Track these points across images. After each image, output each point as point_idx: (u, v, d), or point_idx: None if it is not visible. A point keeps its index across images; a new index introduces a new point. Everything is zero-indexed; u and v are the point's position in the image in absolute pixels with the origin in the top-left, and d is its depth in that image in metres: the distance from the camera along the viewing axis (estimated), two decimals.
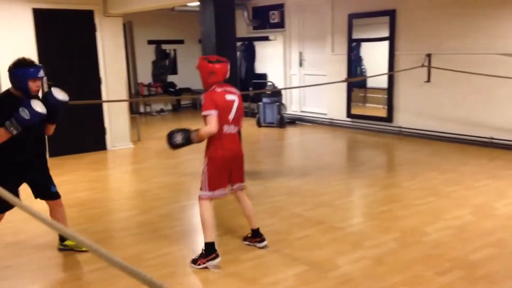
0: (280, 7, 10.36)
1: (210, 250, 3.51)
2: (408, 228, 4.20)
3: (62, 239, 3.87)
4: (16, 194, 3.49)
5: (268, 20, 10.68)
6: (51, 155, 7.32)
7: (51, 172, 6.87)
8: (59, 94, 3.52)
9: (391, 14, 8.22)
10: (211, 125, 3.39)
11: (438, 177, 5.76)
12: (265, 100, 9.72)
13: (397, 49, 8.26)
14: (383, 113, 8.68)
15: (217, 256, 3.50)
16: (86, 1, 7.44)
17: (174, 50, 12.47)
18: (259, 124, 9.76)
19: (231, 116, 3.52)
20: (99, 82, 7.72)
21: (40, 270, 3.62)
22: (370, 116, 8.93)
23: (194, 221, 4.42)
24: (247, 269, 3.51)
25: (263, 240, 3.84)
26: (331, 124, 9.49)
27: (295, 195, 5.26)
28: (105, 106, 7.83)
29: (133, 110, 11.08)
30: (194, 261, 3.54)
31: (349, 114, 9.20)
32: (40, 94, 3.62)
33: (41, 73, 3.44)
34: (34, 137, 3.58)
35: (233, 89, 3.62)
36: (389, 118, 8.54)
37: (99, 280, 3.37)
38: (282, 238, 4.04)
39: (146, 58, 12.08)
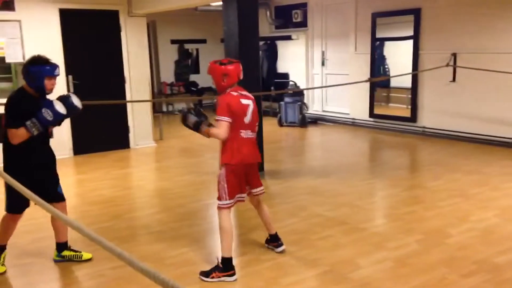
0: (303, 6, 10.31)
1: (228, 266, 3.33)
2: (432, 229, 4.14)
3: (59, 249, 3.69)
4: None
5: (290, 19, 10.64)
6: (76, 153, 7.49)
7: (76, 170, 7.01)
8: (77, 101, 3.47)
9: (416, 13, 8.10)
10: (221, 131, 3.31)
11: (462, 178, 5.65)
12: (286, 99, 9.70)
13: (422, 48, 8.14)
14: (406, 113, 8.56)
15: (234, 273, 3.33)
16: (111, 2, 7.55)
17: (197, 50, 12.54)
18: (280, 124, 9.74)
19: (247, 120, 3.42)
20: (123, 81, 7.82)
21: (60, 267, 3.67)
22: (393, 116, 8.81)
23: (215, 220, 4.44)
24: (267, 269, 3.50)
25: (281, 244, 3.75)
26: (353, 124, 9.41)
27: (317, 195, 5.23)
28: (128, 105, 7.93)
29: (156, 109, 11.19)
30: (206, 274, 3.33)
31: (371, 114, 9.11)
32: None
33: (57, 71, 3.41)
34: (43, 137, 3.50)
35: (248, 93, 3.51)
36: (412, 118, 8.42)
37: (119, 278, 3.41)
38: (303, 238, 4.02)
39: (169, 57, 12.18)
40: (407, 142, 8.04)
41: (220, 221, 3.42)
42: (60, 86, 7.18)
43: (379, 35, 8.88)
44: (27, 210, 4.05)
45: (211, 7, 10.17)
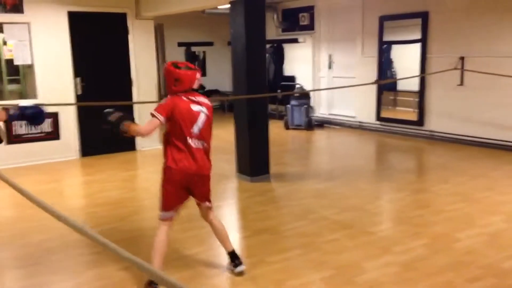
0: (310, 9, 10.32)
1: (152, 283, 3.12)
2: (438, 234, 4.12)
3: None
4: None
5: (297, 22, 10.65)
6: (84, 155, 7.53)
7: (83, 171, 7.03)
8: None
9: (423, 16, 8.08)
10: (147, 128, 3.06)
11: (469, 182, 5.63)
12: (293, 102, 9.70)
13: (429, 51, 8.11)
14: (413, 116, 8.53)
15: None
16: (119, 4, 7.59)
17: (204, 52, 12.58)
18: (286, 127, 9.74)
19: (196, 128, 3.16)
20: (130, 83, 7.86)
21: (70, 268, 3.70)
22: (400, 120, 8.79)
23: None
24: (273, 271, 3.50)
25: (239, 264, 3.42)
26: (360, 127, 9.39)
27: (323, 198, 5.23)
28: (135, 107, 7.95)
29: None
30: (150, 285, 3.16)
31: (378, 117, 9.09)
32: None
33: None
34: None
35: (203, 100, 3.25)
36: (420, 121, 8.39)
37: (127, 279, 3.42)
38: (310, 241, 4.01)
39: (175, 60, 12.18)
40: (414, 145, 8.02)
41: (157, 234, 3.21)
42: (68, 88, 7.28)
43: (386, 38, 8.87)
44: (33, 212, 4.05)
45: (218, 10, 10.18)
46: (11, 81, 8.06)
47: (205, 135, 3.24)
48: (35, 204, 1.80)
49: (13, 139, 6.94)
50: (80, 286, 3.44)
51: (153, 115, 3.06)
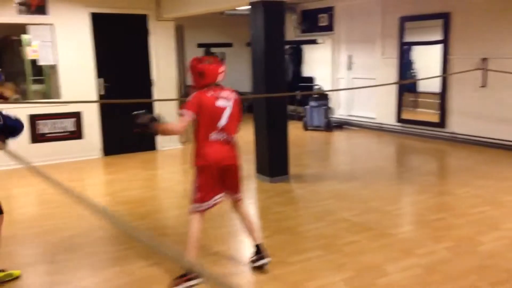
0: (329, 10, 10.29)
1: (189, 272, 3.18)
2: (462, 237, 4.07)
3: None
4: None
5: (316, 23, 10.63)
6: (106, 154, 7.63)
7: (106, 170, 7.12)
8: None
9: (445, 17, 7.99)
10: (178, 125, 3.14)
11: (493, 185, 5.54)
12: (312, 103, 9.68)
13: (451, 53, 8.02)
14: (435, 118, 8.44)
15: (196, 276, 3.14)
16: (141, 6, 7.68)
17: (223, 53, 12.63)
18: (305, 128, 9.72)
19: (221, 123, 3.23)
20: (151, 84, 7.94)
21: (94, 265, 3.76)
22: (421, 121, 8.70)
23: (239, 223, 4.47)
24: (293, 272, 3.50)
25: (264, 257, 3.48)
26: (380, 129, 9.32)
27: (343, 199, 5.21)
28: (156, 107, 8.04)
29: None
30: (173, 284, 3.24)
31: (399, 119, 9.01)
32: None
33: (2, 77, 3.29)
34: None
35: (228, 94, 3.32)
36: (441, 123, 8.29)
37: (150, 276, 3.46)
38: (330, 243, 4.00)
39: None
40: (435, 147, 7.93)
41: (189, 227, 3.29)
42: (91, 88, 7.39)
43: (407, 39, 8.79)
44: (60, 210, 4.15)
45: (237, 11, 10.23)
46: (35, 81, 8.22)
47: (230, 129, 3.30)
48: (76, 199, 1.81)
49: (38, 137, 7.08)
50: (103, 283, 3.48)
51: (182, 113, 3.15)
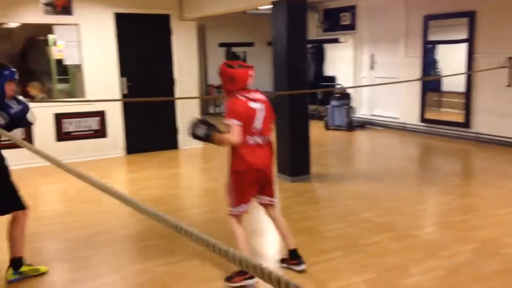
0: (351, 9, 10.21)
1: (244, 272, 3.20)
2: (487, 238, 3.99)
3: (16, 266, 3.44)
4: None
5: (338, 22, 10.56)
6: (129, 152, 7.73)
7: (128, 168, 7.19)
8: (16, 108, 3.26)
9: (470, 16, 7.84)
10: (234, 136, 3.16)
11: None
12: (333, 103, 9.62)
13: (476, 51, 7.87)
14: (459, 118, 8.29)
15: (254, 276, 3.18)
16: (163, 6, 7.75)
17: (244, 53, 12.65)
18: (327, 127, 9.67)
19: (256, 126, 3.25)
20: (173, 83, 8.00)
21: (116, 262, 3.80)
22: (446, 121, 8.56)
23: (263, 220, 4.47)
24: (316, 272, 3.49)
25: (302, 262, 3.49)
26: (403, 129, 9.21)
27: (365, 200, 5.16)
28: (177, 107, 8.11)
29: (204, 111, 11.37)
30: (229, 278, 3.32)
31: (422, 119, 8.88)
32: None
33: (17, 76, 3.32)
34: None
35: (259, 96, 3.34)
36: (466, 123, 8.15)
37: (169, 274, 3.49)
38: (352, 243, 3.97)
39: (216, 60, 12.32)
40: (460, 148, 7.79)
41: (232, 230, 3.36)
42: (115, 87, 7.49)
43: (431, 38, 8.66)
44: (84, 207, 4.20)
45: (259, 10, 10.24)
46: (60, 81, 8.37)
47: (265, 130, 3.32)
48: (105, 192, 1.79)
49: (63, 136, 7.22)
50: (124, 280, 3.53)
51: (229, 124, 3.17)
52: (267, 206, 3.53)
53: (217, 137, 3.24)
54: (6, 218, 3.44)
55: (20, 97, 3.31)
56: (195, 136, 3.30)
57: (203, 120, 3.36)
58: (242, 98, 3.25)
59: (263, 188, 3.42)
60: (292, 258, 3.52)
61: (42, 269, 3.58)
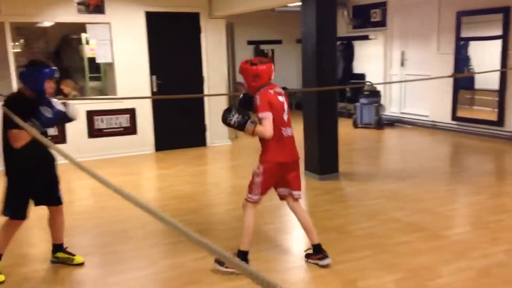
0: (382, 5, 10.07)
1: (243, 259, 3.37)
2: None
3: (54, 251, 3.69)
4: (29, 199, 3.43)
5: (368, 19, 10.43)
6: (158, 149, 7.84)
7: (157, 165, 7.31)
8: (61, 107, 3.32)
9: (505, 11, 7.63)
10: (267, 128, 3.24)
11: None
12: (362, 100, 9.52)
13: (511, 48, 7.65)
14: (493, 116, 8.08)
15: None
16: (193, 4, 7.82)
17: (272, 50, 12.64)
18: (355, 125, 9.58)
19: (285, 118, 3.37)
20: (202, 81, 8.07)
21: (145, 257, 3.87)
22: (478, 120, 8.36)
23: (289, 219, 4.47)
24: (344, 270, 3.47)
25: (326, 256, 3.49)
26: (434, 127, 9.04)
27: (394, 199, 5.10)
28: (206, 104, 8.18)
29: None
30: (221, 263, 3.40)
31: (454, 117, 8.70)
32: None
33: (57, 74, 3.37)
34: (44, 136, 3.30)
35: (280, 89, 3.44)
36: (499, 122, 7.94)
37: (200, 269, 3.53)
38: (381, 243, 3.93)
39: (245, 58, 12.35)
40: (493, 147, 7.60)
41: (245, 216, 3.43)
42: (145, 85, 7.61)
43: (464, 34, 8.46)
44: (114, 202, 4.29)
45: (288, 8, 10.20)
46: (92, 78, 8.57)
47: (290, 122, 3.45)
48: (122, 196, 1.87)
49: (95, 133, 7.38)
50: (155, 275, 3.59)
51: (262, 117, 3.25)
52: (291, 200, 3.54)
53: (251, 128, 3.27)
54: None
55: (55, 101, 3.32)
56: (228, 123, 3.33)
57: (238, 108, 3.39)
58: (271, 92, 3.35)
59: (291, 179, 3.46)
60: (316, 253, 3.53)
61: (77, 259, 3.69)
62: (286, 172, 3.43)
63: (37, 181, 3.41)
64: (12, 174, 3.36)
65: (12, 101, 3.28)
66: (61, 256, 3.68)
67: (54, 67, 3.37)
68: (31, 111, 3.16)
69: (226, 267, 3.37)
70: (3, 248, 3.47)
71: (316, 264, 3.51)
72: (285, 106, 3.42)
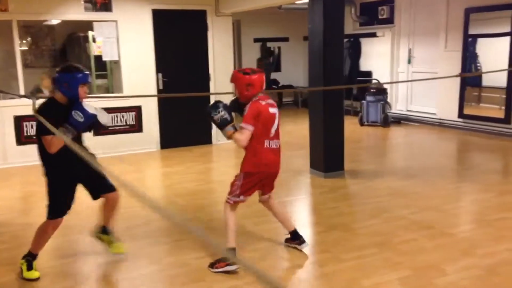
0: (389, 2, 10.02)
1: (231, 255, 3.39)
2: None
3: (101, 231, 3.77)
4: (73, 197, 3.50)
5: (375, 16, 10.38)
6: (163, 147, 7.86)
7: (163, 163, 7.32)
8: (93, 110, 3.35)
9: None
10: (242, 138, 3.31)
11: None
12: (369, 98, 9.49)
13: None
14: (500, 114, 8.03)
15: (235, 262, 3.35)
16: (200, 2, 7.82)
17: (279, 48, 12.63)
18: (361, 123, 9.54)
19: (273, 130, 3.42)
20: (208, 78, 8.07)
21: (149, 255, 3.88)
22: (485, 117, 8.30)
23: (296, 217, 4.47)
24: (348, 268, 3.47)
25: (303, 241, 3.68)
26: (440, 125, 8.99)
27: (399, 196, 5.08)
28: (212, 102, 8.16)
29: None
30: (212, 265, 3.46)
31: (461, 114, 8.64)
32: None
33: (90, 79, 3.36)
34: (77, 143, 3.34)
35: (272, 101, 3.48)
36: (507, 119, 7.88)
37: (204, 268, 3.52)
38: (386, 240, 3.92)
39: (251, 55, 12.37)
40: (500, 145, 7.55)
41: (225, 216, 3.51)
42: (150, 83, 7.63)
43: (472, 31, 8.40)
44: (121, 200, 4.27)
45: (295, 5, 10.18)
46: (98, 76, 8.60)
47: (278, 135, 3.49)
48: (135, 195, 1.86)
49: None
50: (159, 272, 3.60)
51: (243, 127, 3.33)
52: (265, 199, 3.71)
53: (229, 132, 3.36)
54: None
55: (87, 104, 3.33)
56: (211, 117, 3.40)
57: (226, 107, 3.41)
58: (264, 103, 3.38)
59: (266, 186, 3.60)
60: (293, 238, 3.71)
61: (117, 247, 3.72)
62: (265, 181, 3.55)
63: (82, 179, 3.46)
64: (51, 178, 3.38)
65: (45, 108, 3.30)
66: (105, 238, 3.75)
67: (87, 72, 3.37)
68: (64, 117, 3.20)
69: (216, 268, 3.42)
70: (39, 248, 3.51)
71: (295, 247, 3.70)
72: (276, 118, 3.44)
